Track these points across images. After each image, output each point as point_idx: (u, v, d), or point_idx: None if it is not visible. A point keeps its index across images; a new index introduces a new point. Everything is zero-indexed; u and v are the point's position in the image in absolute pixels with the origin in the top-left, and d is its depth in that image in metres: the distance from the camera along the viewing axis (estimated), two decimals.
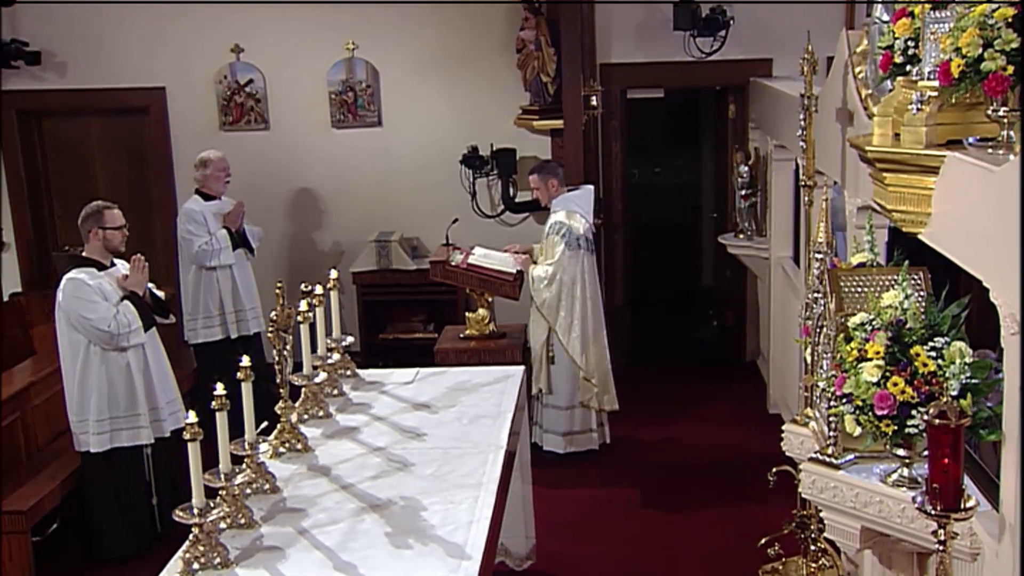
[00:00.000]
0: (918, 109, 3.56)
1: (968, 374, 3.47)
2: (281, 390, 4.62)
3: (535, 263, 7.48)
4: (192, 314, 7.77)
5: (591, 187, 7.72)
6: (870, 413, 3.55)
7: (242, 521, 3.97)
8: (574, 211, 7.41)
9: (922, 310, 3.64)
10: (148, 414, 6.28)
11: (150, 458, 6.37)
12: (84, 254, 6.25)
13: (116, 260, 6.34)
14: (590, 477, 7.30)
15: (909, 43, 3.72)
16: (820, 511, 3.97)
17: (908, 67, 3.75)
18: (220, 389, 3.79)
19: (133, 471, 6.32)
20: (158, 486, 6.42)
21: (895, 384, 3.49)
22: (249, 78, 9.16)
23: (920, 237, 3.71)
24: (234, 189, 8.09)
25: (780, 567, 5.75)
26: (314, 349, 5.12)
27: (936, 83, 3.49)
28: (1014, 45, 3.27)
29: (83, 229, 6.26)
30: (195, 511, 3.66)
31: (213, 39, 9.08)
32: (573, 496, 7.01)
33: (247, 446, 4.18)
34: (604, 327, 7.64)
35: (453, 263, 7.48)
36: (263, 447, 4.31)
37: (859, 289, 3.90)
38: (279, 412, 4.66)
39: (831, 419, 3.79)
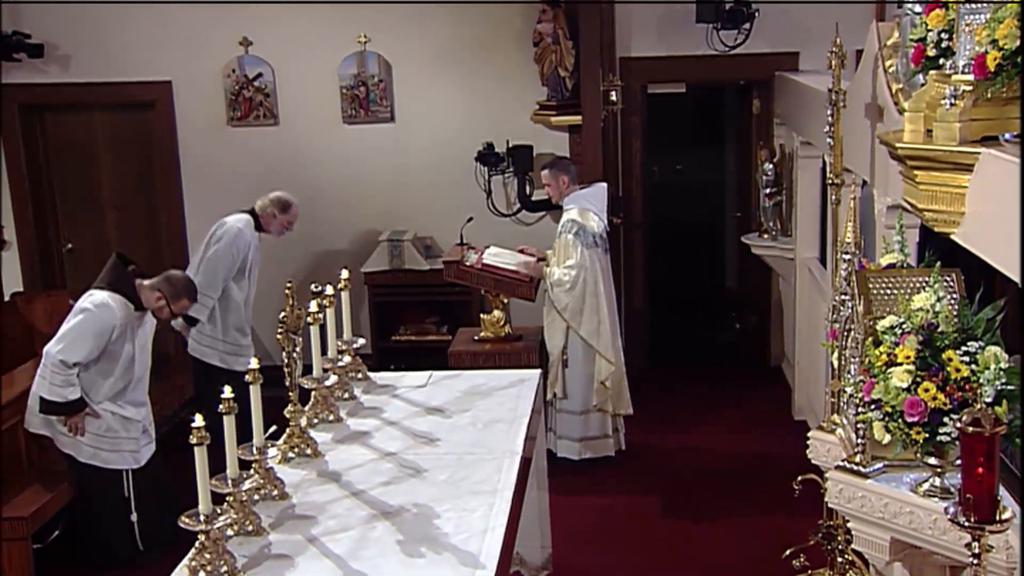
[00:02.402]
0: (951, 104, 3.47)
1: (1003, 380, 3.41)
2: (291, 393, 4.55)
3: (548, 266, 7.36)
4: (211, 334, 7.43)
5: (604, 185, 7.62)
6: (900, 420, 3.51)
7: (250, 528, 3.91)
8: (587, 209, 7.30)
9: (955, 313, 3.64)
10: (126, 442, 6.19)
11: (129, 475, 6.26)
12: (139, 284, 6.08)
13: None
14: (607, 484, 7.19)
15: (943, 35, 3.64)
16: (847, 521, 3.97)
17: (941, 60, 3.67)
18: (228, 392, 3.71)
19: (111, 485, 6.22)
20: (138, 503, 6.30)
21: (926, 390, 3.45)
22: (258, 72, 9.06)
23: (953, 237, 3.63)
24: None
25: None
26: (324, 351, 5.04)
27: (971, 77, 3.40)
28: None
29: (157, 282, 6.11)
30: (201, 518, 3.60)
31: (221, 31, 9.01)
32: (589, 504, 6.91)
33: (255, 451, 4.12)
34: (619, 329, 7.53)
35: (467, 263, 7.40)
36: (271, 452, 4.26)
37: (889, 291, 3.88)
38: (288, 416, 4.60)
39: (859, 426, 3.75)
